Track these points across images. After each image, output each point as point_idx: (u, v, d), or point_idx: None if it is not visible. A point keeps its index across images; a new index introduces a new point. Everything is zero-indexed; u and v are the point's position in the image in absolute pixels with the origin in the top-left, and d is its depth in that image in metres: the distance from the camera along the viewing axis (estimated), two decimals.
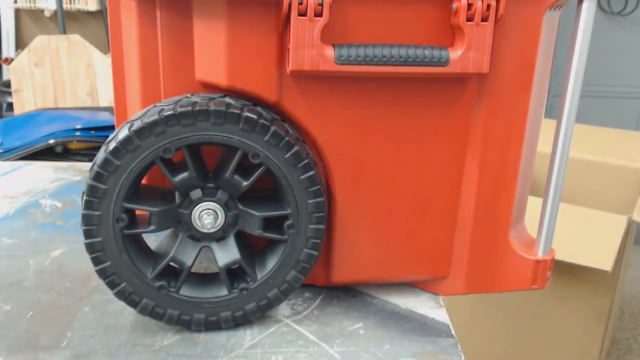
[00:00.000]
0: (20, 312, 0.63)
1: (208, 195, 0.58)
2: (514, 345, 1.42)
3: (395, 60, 0.55)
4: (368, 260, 0.65)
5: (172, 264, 0.60)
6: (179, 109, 0.54)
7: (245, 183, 0.58)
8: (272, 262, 0.60)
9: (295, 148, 0.56)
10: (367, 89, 0.59)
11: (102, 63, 2.31)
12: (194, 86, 0.59)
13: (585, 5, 0.57)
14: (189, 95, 0.57)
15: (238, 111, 0.55)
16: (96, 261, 0.57)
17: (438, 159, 0.62)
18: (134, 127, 0.54)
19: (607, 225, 1.34)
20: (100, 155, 0.55)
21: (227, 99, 0.56)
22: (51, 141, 1.70)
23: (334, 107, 0.59)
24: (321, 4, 0.53)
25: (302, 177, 0.57)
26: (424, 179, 0.63)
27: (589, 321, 1.34)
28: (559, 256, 1.13)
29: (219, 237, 0.60)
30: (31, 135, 1.73)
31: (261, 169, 0.57)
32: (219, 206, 0.58)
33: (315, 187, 0.58)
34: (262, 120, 0.55)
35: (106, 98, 2.32)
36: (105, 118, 1.90)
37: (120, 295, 0.58)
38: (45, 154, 1.70)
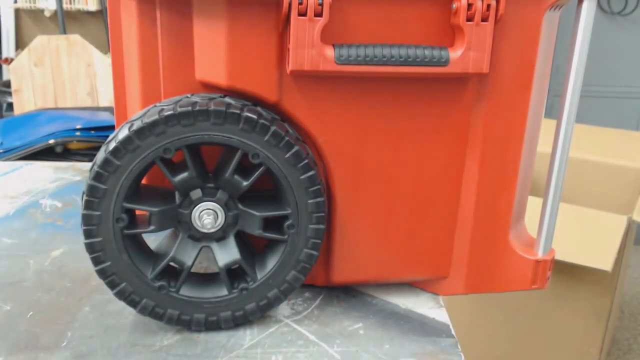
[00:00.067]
0: (20, 312, 0.63)
1: (208, 195, 0.58)
2: (514, 345, 1.42)
3: (395, 60, 0.55)
4: (368, 260, 0.65)
5: (172, 264, 0.60)
6: (179, 109, 0.54)
7: (245, 183, 0.58)
8: (272, 262, 0.60)
9: (295, 148, 0.56)
10: (367, 89, 0.59)
11: (102, 63, 2.31)
12: (194, 86, 0.59)
13: (585, 5, 0.57)
14: (189, 95, 0.57)
15: (238, 111, 0.55)
16: (96, 261, 0.57)
17: (438, 159, 0.62)
18: (134, 127, 0.54)
19: (607, 225, 1.34)
20: (100, 155, 0.55)
21: (227, 99, 0.56)
22: (51, 141, 1.70)
23: (334, 107, 0.59)
24: (321, 4, 0.53)
25: (302, 177, 0.57)
26: (424, 179, 0.63)
27: (589, 321, 1.34)
28: (559, 256, 1.13)
29: (219, 237, 0.60)
30: (31, 135, 1.73)
31: (261, 169, 0.57)
32: (219, 206, 0.58)
33: (315, 187, 0.58)
34: (262, 120, 0.55)
35: (106, 98, 2.32)
36: (105, 118, 1.90)
37: (120, 295, 0.58)
38: (45, 154, 1.70)
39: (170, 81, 0.59)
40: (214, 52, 0.57)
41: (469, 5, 0.55)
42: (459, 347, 0.60)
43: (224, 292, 0.60)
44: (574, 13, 0.58)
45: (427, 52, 0.55)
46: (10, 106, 2.50)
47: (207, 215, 0.58)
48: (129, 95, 0.65)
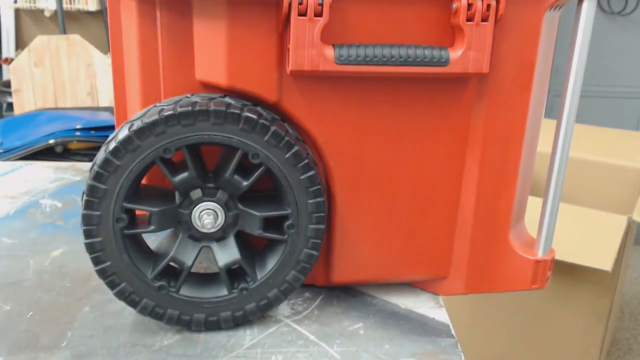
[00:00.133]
0: (20, 312, 0.63)
1: (208, 195, 0.58)
2: (514, 345, 1.42)
3: (395, 60, 0.55)
4: (368, 260, 0.65)
5: (172, 264, 0.60)
6: (179, 109, 0.54)
7: (245, 183, 0.58)
8: (272, 262, 0.60)
9: (295, 148, 0.56)
10: (367, 89, 0.59)
11: (102, 63, 2.31)
12: (194, 86, 0.59)
13: (585, 5, 0.57)
14: (189, 95, 0.57)
15: (238, 111, 0.55)
16: (96, 261, 0.57)
17: (438, 159, 0.62)
18: (134, 127, 0.54)
19: (607, 225, 1.34)
20: (100, 155, 0.55)
21: (227, 99, 0.56)
22: (51, 141, 1.70)
23: (334, 107, 0.59)
24: (321, 4, 0.53)
25: (302, 177, 0.57)
26: (424, 179, 0.63)
27: (589, 321, 1.34)
28: (559, 256, 1.13)
29: (219, 237, 0.60)
30: (31, 135, 1.73)
31: (261, 169, 0.57)
32: (219, 206, 0.58)
33: (315, 187, 0.58)
34: (262, 120, 0.55)
35: (106, 98, 2.32)
36: (105, 118, 1.90)
37: (120, 295, 0.58)
38: (45, 154, 1.70)
39: (170, 81, 0.59)
40: (214, 52, 0.57)
41: (469, 5, 0.55)
42: (459, 347, 0.60)
43: (224, 292, 0.60)
44: (574, 13, 0.58)
45: (427, 52, 0.55)
46: (10, 106, 2.50)
47: (207, 215, 0.58)
48: (129, 95, 0.65)
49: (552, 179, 0.62)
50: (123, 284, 0.58)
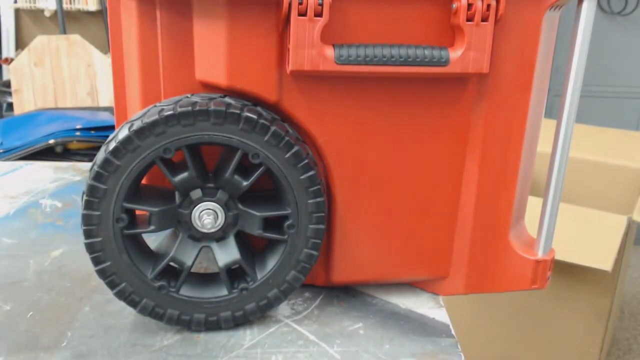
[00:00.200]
0: (20, 312, 0.63)
1: (208, 195, 0.58)
2: (514, 345, 1.42)
3: (395, 60, 0.55)
4: (368, 260, 0.65)
5: (172, 264, 0.60)
6: (179, 109, 0.54)
7: (245, 183, 0.58)
8: (272, 262, 0.60)
9: (295, 148, 0.56)
10: (367, 89, 0.59)
11: (102, 63, 2.31)
12: (194, 86, 0.59)
13: (585, 5, 0.57)
14: (189, 95, 0.57)
15: (238, 111, 0.55)
16: (96, 261, 0.57)
17: (438, 159, 0.62)
18: (134, 127, 0.54)
19: (607, 225, 1.34)
20: (100, 155, 0.55)
21: (227, 99, 0.56)
22: (51, 141, 1.70)
23: (334, 107, 0.59)
24: (321, 4, 0.53)
25: (302, 177, 0.57)
26: (424, 179, 0.63)
27: (589, 321, 1.34)
28: (559, 256, 1.13)
29: (219, 237, 0.60)
30: (31, 135, 1.73)
31: (261, 169, 0.57)
32: (219, 206, 0.58)
33: (315, 187, 0.58)
34: (262, 120, 0.55)
35: (106, 98, 2.32)
36: (105, 118, 1.90)
37: (120, 295, 0.58)
38: (45, 154, 1.70)
39: (170, 81, 0.59)
40: (214, 52, 0.57)
41: (469, 5, 0.55)
42: (459, 347, 0.60)
43: (224, 292, 0.60)
44: (574, 13, 0.58)
45: (427, 52, 0.55)
46: (10, 106, 2.50)
47: (207, 215, 0.58)
48: (129, 95, 0.65)
49: (552, 179, 0.62)
50: (123, 284, 0.58)
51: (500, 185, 0.63)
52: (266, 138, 0.55)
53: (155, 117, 0.54)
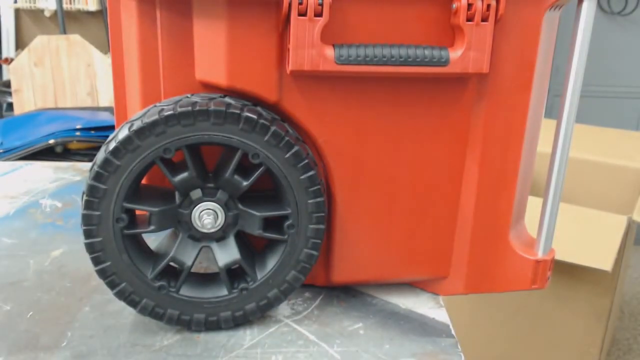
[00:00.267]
0: (20, 312, 0.63)
1: (208, 195, 0.58)
2: (514, 345, 1.42)
3: (395, 60, 0.55)
4: (368, 260, 0.65)
5: (172, 264, 0.60)
6: (179, 109, 0.54)
7: (245, 183, 0.58)
8: (272, 262, 0.60)
9: (295, 148, 0.56)
10: (367, 89, 0.59)
11: (102, 63, 2.31)
12: (194, 86, 0.59)
13: (585, 5, 0.57)
14: (189, 95, 0.57)
15: (238, 111, 0.55)
16: (96, 261, 0.57)
17: (438, 159, 0.62)
18: (134, 127, 0.54)
19: (607, 225, 1.34)
20: (100, 155, 0.55)
21: (227, 99, 0.56)
22: (51, 141, 1.70)
23: (334, 107, 0.59)
24: (321, 4, 0.53)
25: (302, 177, 0.57)
26: (424, 179, 0.63)
27: (589, 321, 1.34)
28: (559, 256, 1.13)
29: (219, 237, 0.60)
30: (31, 135, 1.73)
31: (261, 169, 0.57)
32: (219, 206, 0.58)
33: (315, 187, 0.58)
34: (262, 120, 0.55)
35: (106, 98, 2.32)
36: (105, 118, 1.90)
37: (120, 295, 0.58)
38: (45, 154, 1.70)
39: (170, 81, 0.59)
40: (214, 52, 0.57)
41: (469, 5, 0.55)
42: (459, 347, 0.60)
43: (224, 292, 0.60)
44: (574, 13, 0.58)
45: (427, 52, 0.55)
46: (10, 106, 2.50)
47: (207, 215, 0.58)
48: (129, 95, 0.65)
49: (552, 179, 0.62)
50: (123, 284, 0.58)
51: (500, 185, 0.63)
52: (266, 138, 0.55)
53: (155, 117, 0.54)
